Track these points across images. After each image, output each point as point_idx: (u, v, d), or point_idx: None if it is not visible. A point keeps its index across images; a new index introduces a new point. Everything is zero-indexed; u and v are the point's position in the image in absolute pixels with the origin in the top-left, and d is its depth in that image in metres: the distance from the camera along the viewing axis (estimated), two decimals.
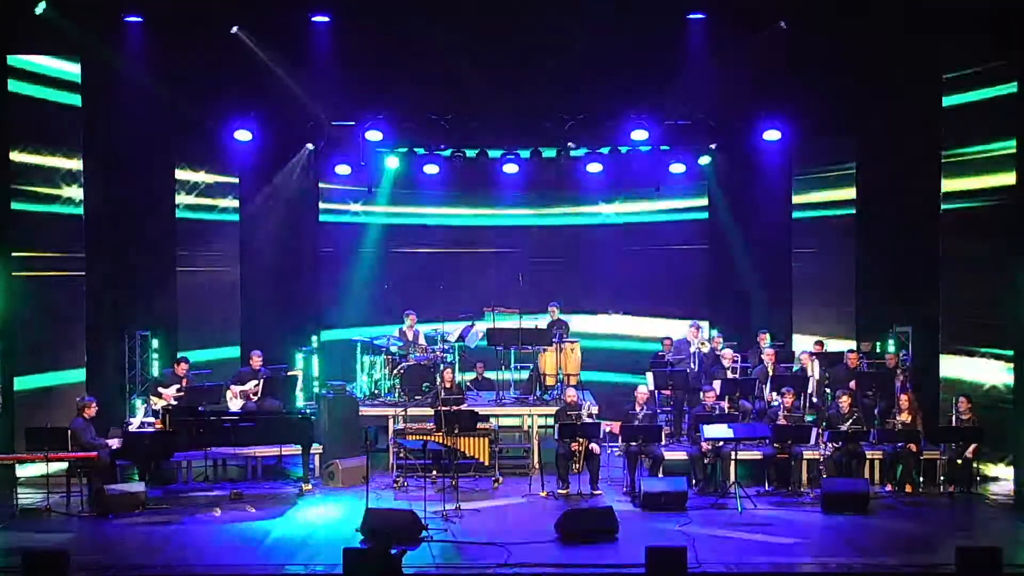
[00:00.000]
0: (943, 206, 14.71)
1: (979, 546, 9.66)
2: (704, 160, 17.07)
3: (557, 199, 18.30)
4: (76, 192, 14.47)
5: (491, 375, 16.23)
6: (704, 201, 17.83)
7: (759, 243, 17.13)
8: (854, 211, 16.07)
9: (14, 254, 14.08)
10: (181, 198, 15.97)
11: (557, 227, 18.40)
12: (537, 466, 14.22)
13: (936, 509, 12.89)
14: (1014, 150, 14.02)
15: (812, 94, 15.31)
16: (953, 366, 14.55)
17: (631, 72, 15.22)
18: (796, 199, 16.70)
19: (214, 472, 14.45)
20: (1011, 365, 13.70)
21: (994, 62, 14.02)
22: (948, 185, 14.64)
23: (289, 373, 15.61)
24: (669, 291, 17.83)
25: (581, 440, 13.23)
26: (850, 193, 16.13)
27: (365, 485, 12.04)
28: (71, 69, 14.38)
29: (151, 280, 15.67)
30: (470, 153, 16.73)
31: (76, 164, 14.46)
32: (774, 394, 14.08)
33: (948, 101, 14.54)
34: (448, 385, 14.57)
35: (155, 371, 15.27)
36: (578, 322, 17.15)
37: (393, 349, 15.71)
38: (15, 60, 14.07)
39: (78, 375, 14.44)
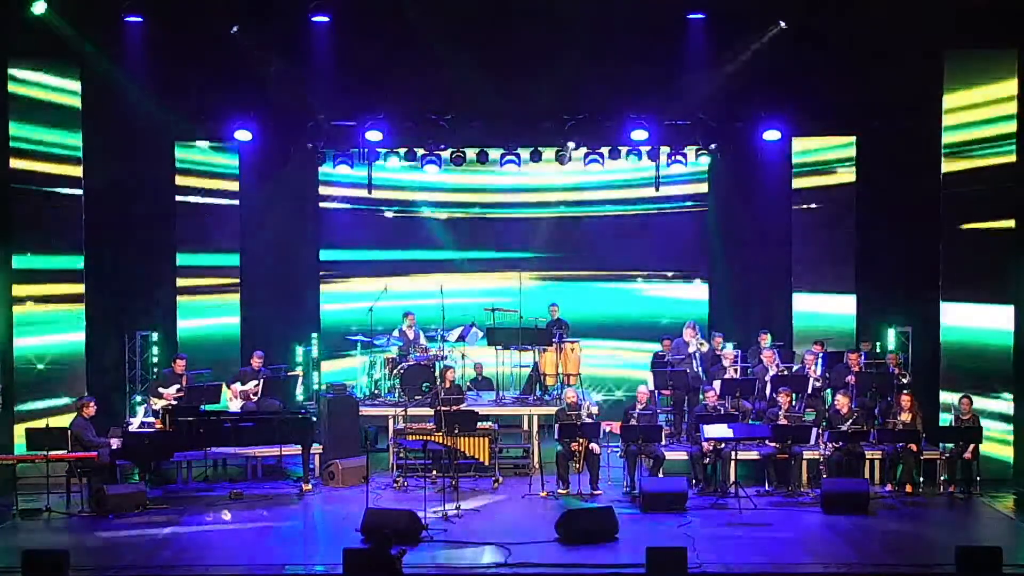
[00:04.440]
0: (944, 204, 14.71)
1: (979, 546, 9.66)
2: (704, 160, 17.08)
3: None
4: (76, 192, 14.49)
5: (490, 370, 16.21)
6: (704, 201, 17.80)
7: (759, 242, 17.10)
8: (854, 212, 16.07)
9: (15, 259, 14.11)
10: (182, 197, 15.99)
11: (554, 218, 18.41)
12: (537, 466, 14.22)
13: (936, 509, 12.90)
14: (1014, 158, 14.12)
15: (812, 94, 15.30)
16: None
17: (631, 72, 15.22)
18: (796, 199, 16.66)
19: (214, 472, 14.46)
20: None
21: (994, 58, 14.10)
22: (949, 183, 14.64)
23: (289, 373, 15.61)
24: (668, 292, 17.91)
25: (581, 440, 13.24)
26: (850, 193, 16.12)
27: (365, 485, 12.05)
28: (71, 70, 14.42)
29: (151, 280, 15.65)
30: (470, 153, 16.74)
31: (76, 166, 14.50)
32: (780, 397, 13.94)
33: (948, 100, 14.55)
34: (448, 385, 14.58)
35: (155, 371, 15.27)
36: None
37: (393, 349, 15.71)
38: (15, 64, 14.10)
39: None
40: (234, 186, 16.49)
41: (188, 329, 15.98)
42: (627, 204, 18.05)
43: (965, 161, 14.49)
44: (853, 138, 16.06)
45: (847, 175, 16.17)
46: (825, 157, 16.33)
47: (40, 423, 13.12)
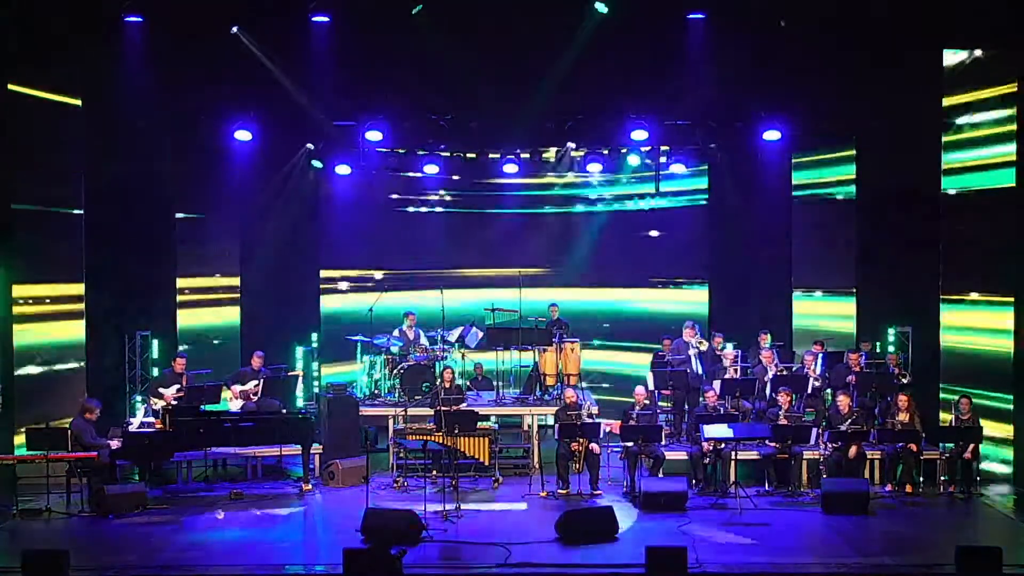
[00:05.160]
0: (944, 204, 14.71)
1: (979, 546, 9.66)
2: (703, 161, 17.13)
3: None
4: (76, 192, 14.49)
5: (490, 365, 16.21)
6: (704, 201, 17.81)
7: (759, 243, 17.11)
8: (854, 211, 16.06)
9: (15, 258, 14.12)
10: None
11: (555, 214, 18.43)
12: (537, 466, 14.22)
13: (936, 509, 12.91)
14: (1014, 156, 14.13)
15: (812, 94, 15.30)
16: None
17: (631, 72, 15.23)
18: (796, 199, 16.69)
19: (214, 472, 14.46)
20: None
21: (994, 58, 14.11)
22: (949, 183, 14.64)
23: (289, 373, 15.61)
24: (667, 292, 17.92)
25: (581, 440, 13.24)
26: (850, 192, 16.11)
27: (365, 485, 12.05)
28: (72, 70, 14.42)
29: (151, 280, 15.65)
30: (470, 154, 16.74)
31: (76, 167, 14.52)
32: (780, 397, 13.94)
33: (949, 99, 14.55)
34: (448, 385, 14.58)
35: (155, 371, 15.25)
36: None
37: (393, 349, 15.71)
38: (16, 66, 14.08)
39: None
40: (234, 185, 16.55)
41: (188, 328, 16.00)
42: (627, 204, 18.10)
43: (965, 161, 14.49)
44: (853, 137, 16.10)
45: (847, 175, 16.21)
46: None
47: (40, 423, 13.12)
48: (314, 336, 17.12)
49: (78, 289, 14.53)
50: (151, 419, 13.85)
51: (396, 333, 15.97)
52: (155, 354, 15.37)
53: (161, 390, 14.24)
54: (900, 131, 15.12)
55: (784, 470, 13.41)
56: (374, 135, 15.94)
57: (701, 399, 14.41)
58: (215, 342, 16.00)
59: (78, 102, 14.47)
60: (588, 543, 11.12)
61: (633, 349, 17.87)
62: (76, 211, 14.51)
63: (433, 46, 14.74)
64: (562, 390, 14.52)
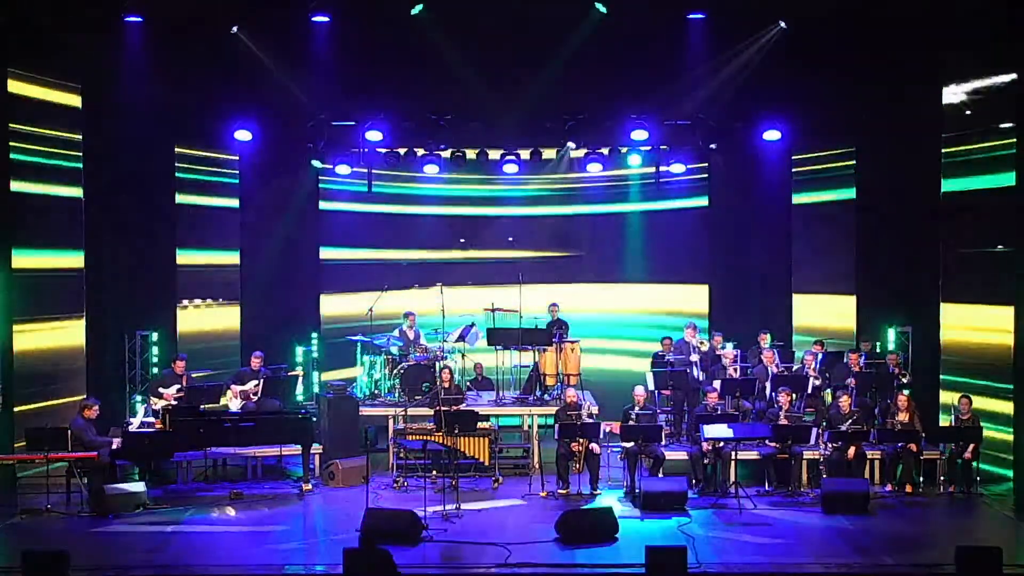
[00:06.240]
0: (944, 204, 14.71)
1: (979, 546, 9.66)
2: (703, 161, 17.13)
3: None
4: (76, 192, 14.47)
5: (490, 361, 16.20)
6: (704, 201, 17.81)
7: (759, 243, 17.11)
8: (854, 211, 16.06)
9: (15, 252, 14.08)
10: (182, 198, 15.97)
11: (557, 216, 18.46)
12: (537, 466, 14.22)
13: (936, 509, 12.91)
14: (1014, 150, 14.11)
15: (812, 94, 15.30)
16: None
17: (631, 72, 15.24)
18: (796, 199, 16.69)
19: (214, 472, 14.46)
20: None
21: (993, 58, 14.09)
22: (949, 184, 14.64)
23: (289, 373, 15.61)
24: (668, 292, 17.93)
25: (581, 440, 13.24)
26: (850, 192, 16.11)
27: (365, 485, 12.06)
28: (72, 70, 14.41)
29: (151, 280, 15.66)
30: (470, 153, 16.75)
31: (76, 164, 14.50)
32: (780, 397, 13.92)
33: (948, 97, 14.56)
34: (448, 385, 14.57)
35: (155, 371, 15.25)
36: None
37: (393, 349, 15.71)
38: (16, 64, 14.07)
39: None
40: (234, 185, 16.54)
41: (188, 328, 16.00)
42: (627, 202, 18.10)
43: (964, 163, 14.48)
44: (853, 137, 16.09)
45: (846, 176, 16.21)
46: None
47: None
48: (314, 336, 17.11)
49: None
50: (151, 419, 13.85)
51: (396, 333, 15.97)
52: (155, 355, 15.37)
53: (161, 390, 14.25)
54: (900, 131, 15.12)
55: (784, 470, 13.41)
56: (374, 135, 15.95)
57: (701, 396, 14.38)
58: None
59: (78, 102, 14.46)
60: (588, 543, 11.12)
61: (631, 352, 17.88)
62: (76, 211, 14.47)
63: (433, 46, 14.75)
64: (562, 390, 14.53)
